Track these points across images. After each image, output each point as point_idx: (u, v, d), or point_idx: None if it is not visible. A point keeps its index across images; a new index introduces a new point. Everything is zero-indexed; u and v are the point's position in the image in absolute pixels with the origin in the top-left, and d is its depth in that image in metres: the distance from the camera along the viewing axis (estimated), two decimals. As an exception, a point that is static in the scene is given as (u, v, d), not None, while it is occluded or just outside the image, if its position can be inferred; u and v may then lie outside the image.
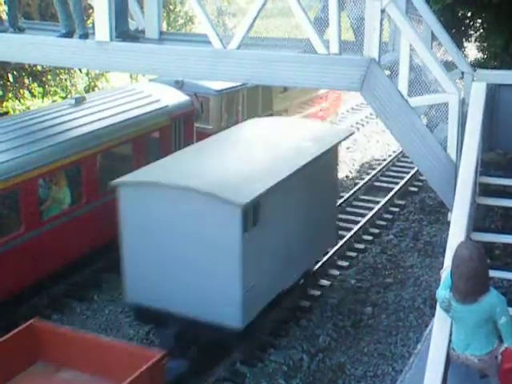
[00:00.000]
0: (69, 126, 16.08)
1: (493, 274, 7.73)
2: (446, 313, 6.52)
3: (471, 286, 6.26)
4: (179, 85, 19.55)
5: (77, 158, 15.65)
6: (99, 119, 16.68)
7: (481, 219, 10.16)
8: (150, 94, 18.74)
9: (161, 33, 13.56)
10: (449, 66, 11.55)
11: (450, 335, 6.58)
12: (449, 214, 9.63)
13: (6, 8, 15.14)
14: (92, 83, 27.64)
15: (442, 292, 6.53)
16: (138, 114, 17.60)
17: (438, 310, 6.66)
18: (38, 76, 25.40)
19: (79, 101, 17.38)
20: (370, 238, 19.06)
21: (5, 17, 14.92)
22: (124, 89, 19.53)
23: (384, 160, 25.73)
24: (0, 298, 13.86)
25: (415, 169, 22.94)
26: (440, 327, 6.61)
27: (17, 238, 14.26)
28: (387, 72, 10.74)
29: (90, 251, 16.19)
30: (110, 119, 16.87)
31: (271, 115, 22.14)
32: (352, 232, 18.85)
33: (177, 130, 18.71)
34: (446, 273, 6.69)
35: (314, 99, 25.01)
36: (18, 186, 14.24)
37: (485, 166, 9.69)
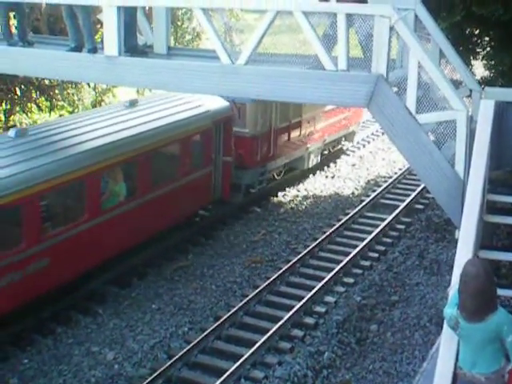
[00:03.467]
0: (124, 126, 17.37)
1: (499, 292, 7.70)
2: (453, 331, 6.49)
3: (478, 304, 6.23)
4: None
5: (132, 155, 17.02)
6: (151, 121, 18.07)
7: (488, 237, 10.12)
8: (194, 99, 19.83)
9: (169, 48, 13.64)
10: (456, 84, 11.57)
11: (457, 353, 6.55)
12: (456, 231, 9.62)
13: (15, 22, 15.20)
14: (99, 98, 27.72)
15: (449, 310, 6.51)
16: (184, 117, 19.04)
17: (445, 328, 6.63)
18: (45, 90, 25.46)
19: (132, 103, 18.94)
20: (375, 255, 19.00)
21: (14, 31, 14.97)
22: (170, 94, 20.34)
23: (390, 177, 25.72)
24: (67, 278, 15.34)
25: (421, 186, 22.95)
26: (447, 345, 6.59)
27: (81, 225, 15.57)
28: (395, 89, 10.76)
29: (139, 242, 17.48)
30: (159, 121, 18.26)
31: (300, 122, 23.82)
32: (357, 249, 18.81)
33: (217, 132, 20.22)
34: (453, 290, 6.66)
35: (339, 108, 25.43)
36: (83, 178, 15.63)
37: (492, 184, 9.67)
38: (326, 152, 27.09)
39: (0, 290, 13.79)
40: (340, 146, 28.76)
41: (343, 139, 28.67)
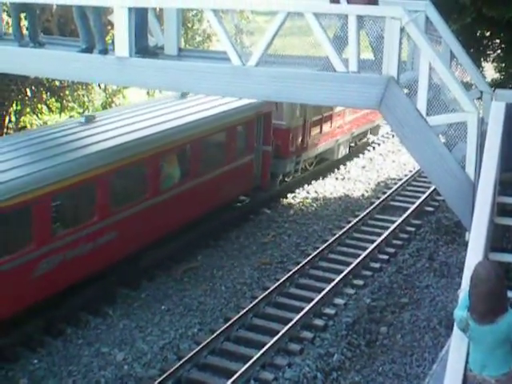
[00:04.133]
0: (177, 115, 19.08)
1: (510, 294, 7.67)
2: (464, 333, 6.47)
3: (489, 306, 6.21)
4: None
5: (184, 142, 18.66)
6: (200, 111, 19.71)
7: (498, 239, 10.09)
8: None
9: (179, 49, 13.63)
10: (467, 86, 11.55)
11: (467, 356, 6.53)
12: (467, 233, 9.59)
13: (26, 23, 15.25)
14: (109, 99, 27.78)
15: (460, 312, 6.48)
16: (229, 108, 20.46)
17: (455, 330, 6.61)
18: (56, 91, 25.52)
19: (183, 95, 20.85)
20: (385, 257, 18.98)
21: (25, 32, 15.02)
22: None
23: (400, 179, 25.69)
24: (131, 249, 16.88)
25: (431, 189, 22.92)
26: (457, 347, 6.56)
27: (143, 203, 17.15)
28: (406, 90, 10.74)
29: (190, 221, 19.10)
30: (208, 111, 19.85)
31: (331, 115, 25.49)
32: (367, 251, 18.79)
33: (259, 124, 21.89)
34: (463, 292, 6.64)
35: None
36: (145, 161, 17.20)
37: (503, 186, 9.64)
38: (352, 144, 28.56)
39: (74, 259, 15.14)
40: (366, 139, 30.05)
41: (369, 132, 30.04)
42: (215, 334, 14.69)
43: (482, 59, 16.11)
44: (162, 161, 18.01)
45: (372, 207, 22.34)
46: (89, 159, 15.67)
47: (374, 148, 30.24)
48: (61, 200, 15.54)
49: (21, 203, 13.92)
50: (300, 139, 23.96)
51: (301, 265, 17.91)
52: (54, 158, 15.23)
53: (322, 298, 16.30)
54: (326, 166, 26.66)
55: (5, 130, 24.39)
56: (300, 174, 24.90)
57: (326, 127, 25.44)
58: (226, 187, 20.51)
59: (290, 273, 17.47)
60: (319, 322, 15.57)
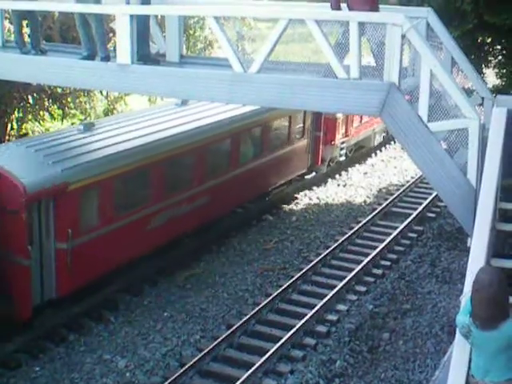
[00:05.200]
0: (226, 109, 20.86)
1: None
2: (466, 339, 6.46)
3: (491, 312, 6.20)
4: None
5: (255, 125, 21.75)
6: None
7: (500, 245, 10.08)
8: None
9: (181, 56, 13.67)
10: (468, 92, 11.56)
11: (469, 362, 6.52)
12: (468, 239, 9.59)
13: (28, 30, 15.27)
14: (111, 106, 27.77)
15: (462, 318, 6.48)
16: None
17: (458, 336, 6.60)
18: (58, 98, 25.51)
19: None
20: (387, 263, 18.98)
21: (27, 39, 15.04)
22: None
23: (402, 186, 25.69)
24: (222, 212, 20.59)
25: (433, 195, 22.92)
26: (459, 353, 6.55)
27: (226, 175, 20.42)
28: (407, 97, 10.75)
29: (264, 192, 23.17)
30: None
31: None
32: (369, 257, 18.79)
33: (313, 113, 24.33)
34: (465, 298, 6.64)
35: None
36: (229, 137, 20.63)
37: (504, 192, 9.64)
38: (384, 134, 30.85)
39: (177, 218, 18.27)
40: None
41: None
42: (217, 341, 14.68)
43: (483, 65, 16.14)
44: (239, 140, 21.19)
45: (374, 213, 22.34)
46: (189, 135, 18.82)
47: (375, 154, 30.23)
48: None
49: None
50: (344, 128, 26.73)
51: (303, 271, 17.91)
52: None
53: (325, 304, 16.30)
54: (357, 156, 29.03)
55: (7, 137, 24.39)
56: (344, 159, 27.55)
57: (365, 117, 27.77)
58: (289, 165, 23.96)
59: (293, 279, 17.47)
60: (322, 329, 15.56)
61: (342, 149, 27.13)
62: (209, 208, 19.50)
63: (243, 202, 22.17)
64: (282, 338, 14.77)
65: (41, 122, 26.13)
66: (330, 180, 26.25)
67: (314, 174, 26.21)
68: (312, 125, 25.08)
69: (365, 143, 29.68)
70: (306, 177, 25.77)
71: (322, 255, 18.93)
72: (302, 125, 24.44)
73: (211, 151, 19.68)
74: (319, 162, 25.87)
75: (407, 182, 26.21)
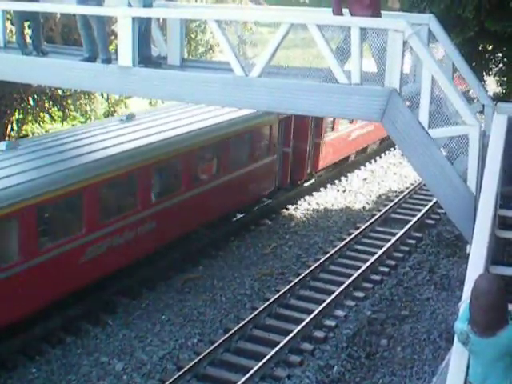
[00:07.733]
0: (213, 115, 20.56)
1: (510, 307, 7.67)
2: (464, 346, 6.45)
3: (490, 319, 6.20)
4: None
5: (223, 138, 20.22)
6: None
7: (499, 253, 10.08)
8: None
9: (182, 60, 13.67)
10: (469, 99, 11.56)
11: (467, 369, 6.51)
12: (468, 246, 9.58)
13: (30, 32, 15.29)
14: (111, 108, 27.79)
15: (460, 325, 6.47)
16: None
17: (456, 343, 6.60)
18: (58, 100, 25.54)
19: None
20: (386, 269, 18.96)
21: (29, 40, 15.06)
22: None
23: (401, 192, 25.69)
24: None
25: (432, 202, 22.91)
26: (457, 360, 6.54)
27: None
28: (408, 103, 10.76)
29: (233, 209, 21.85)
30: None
31: None
32: (368, 263, 18.78)
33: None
34: (464, 305, 6.63)
35: None
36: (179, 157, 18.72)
37: (504, 199, 9.64)
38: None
39: (116, 247, 16.42)
40: None
41: None
42: (215, 345, 14.67)
43: (484, 73, 16.11)
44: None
45: (373, 219, 22.32)
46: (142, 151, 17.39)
47: (375, 160, 30.23)
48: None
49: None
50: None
51: (301, 276, 17.90)
52: None
53: (323, 309, 16.29)
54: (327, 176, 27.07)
55: (6, 139, 24.38)
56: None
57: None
58: (251, 184, 22.74)
59: (291, 284, 17.46)
60: (319, 334, 15.55)
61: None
62: (155, 235, 17.62)
63: (195, 227, 19.62)
64: (279, 343, 14.76)
65: (41, 123, 26.15)
66: (329, 186, 26.22)
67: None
68: (280, 139, 23.14)
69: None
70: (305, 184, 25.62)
71: (321, 261, 18.92)
72: (267, 141, 22.51)
73: (158, 172, 18.00)
74: (287, 182, 24.18)
75: (407, 188, 26.19)
